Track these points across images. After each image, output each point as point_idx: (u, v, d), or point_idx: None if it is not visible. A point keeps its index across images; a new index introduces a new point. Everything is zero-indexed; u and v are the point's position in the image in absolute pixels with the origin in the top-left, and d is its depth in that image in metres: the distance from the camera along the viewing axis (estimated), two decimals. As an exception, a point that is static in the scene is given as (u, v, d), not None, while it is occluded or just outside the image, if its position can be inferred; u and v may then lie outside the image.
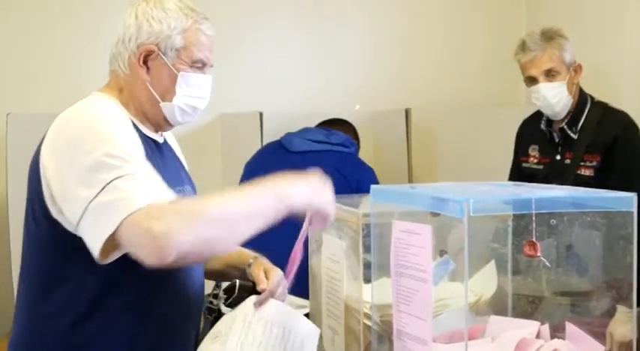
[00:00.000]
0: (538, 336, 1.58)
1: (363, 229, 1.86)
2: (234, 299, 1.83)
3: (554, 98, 2.84)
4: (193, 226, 1.42)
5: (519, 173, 3.01)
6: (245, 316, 1.68)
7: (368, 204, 1.76)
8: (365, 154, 4.12)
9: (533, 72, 2.86)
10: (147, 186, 1.48)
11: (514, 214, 1.72)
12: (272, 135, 3.57)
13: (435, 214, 1.56)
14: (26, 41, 3.94)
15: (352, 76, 4.24)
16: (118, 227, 1.43)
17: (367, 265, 1.82)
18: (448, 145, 4.12)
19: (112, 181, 1.47)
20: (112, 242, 1.46)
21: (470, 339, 1.51)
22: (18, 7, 3.93)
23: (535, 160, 2.97)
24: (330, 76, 4.22)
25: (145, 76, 1.77)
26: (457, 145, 4.11)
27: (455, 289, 1.68)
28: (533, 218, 1.45)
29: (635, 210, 1.48)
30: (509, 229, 1.83)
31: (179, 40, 1.77)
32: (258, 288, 1.79)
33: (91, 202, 1.47)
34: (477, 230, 1.52)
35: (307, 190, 1.60)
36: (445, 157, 4.09)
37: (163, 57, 1.76)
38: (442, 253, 1.69)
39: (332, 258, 2.08)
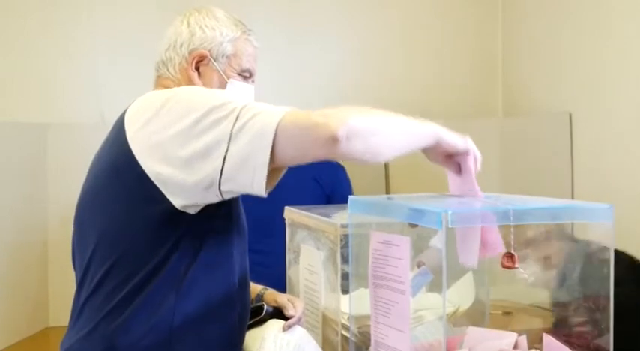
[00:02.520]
0: (515, 347, 1.58)
1: (341, 240, 1.85)
2: (257, 320, 1.90)
3: None
4: (354, 113, 1.46)
5: None
6: (275, 337, 1.82)
7: (346, 215, 1.76)
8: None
9: None
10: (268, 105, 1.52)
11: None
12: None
13: (413, 226, 1.56)
14: None
15: (330, 87, 4.24)
16: (275, 136, 1.44)
17: (345, 276, 1.82)
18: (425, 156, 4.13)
19: (241, 108, 1.49)
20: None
21: (448, 350, 1.51)
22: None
23: None
24: (308, 87, 4.22)
25: (197, 80, 1.81)
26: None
27: (433, 300, 1.68)
28: (512, 229, 1.45)
29: (612, 222, 1.49)
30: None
31: (229, 48, 1.84)
32: (287, 313, 1.92)
33: (232, 130, 1.47)
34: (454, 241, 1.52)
35: (454, 135, 1.66)
36: (423, 168, 4.10)
37: (214, 63, 1.82)
38: (420, 264, 1.69)
39: (310, 269, 2.08)
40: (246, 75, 1.87)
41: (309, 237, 2.13)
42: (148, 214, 1.58)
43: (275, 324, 1.88)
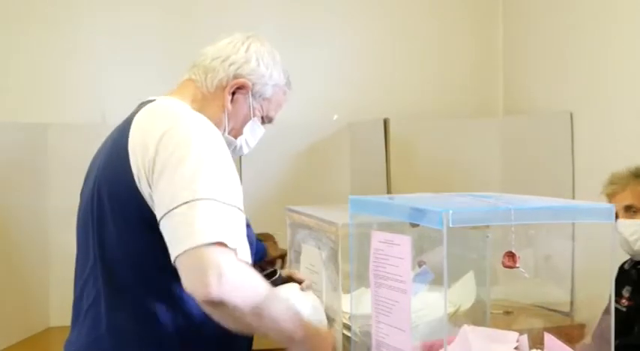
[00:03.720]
0: (517, 347, 1.58)
1: (342, 240, 1.85)
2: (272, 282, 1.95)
3: (632, 236, 2.61)
4: (243, 302, 1.49)
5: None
6: (294, 294, 1.90)
7: (347, 214, 1.76)
8: (343, 164, 4.13)
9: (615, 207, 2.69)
10: (232, 223, 1.51)
11: (493, 225, 1.72)
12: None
13: (413, 225, 1.56)
14: None
15: (330, 86, 4.23)
16: (187, 249, 1.45)
17: (346, 276, 1.82)
18: (426, 156, 4.13)
19: (196, 200, 1.48)
20: None
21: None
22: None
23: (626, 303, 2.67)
24: (308, 85, 4.21)
25: (228, 104, 1.80)
26: (436, 155, 4.12)
27: (433, 299, 1.68)
28: (513, 229, 1.44)
29: (613, 221, 1.48)
30: (488, 240, 1.83)
31: (269, 92, 1.85)
32: (297, 277, 2.04)
33: (173, 209, 1.48)
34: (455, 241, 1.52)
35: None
36: (423, 168, 4.10)
37: (250, 97, 1.82)
38: (421, 263, 1.69)
39: (311, 268, 2.08)
40: (266, 121, 1.90)
41: (309, 236, 2.12)
42: (145, 231, 1.58)
43: (292, 286, 1.95)
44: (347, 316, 1.85)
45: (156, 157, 1.54)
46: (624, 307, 2.61)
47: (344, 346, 1.88)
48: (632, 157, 2.98)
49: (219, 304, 1.46)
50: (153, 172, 1.54)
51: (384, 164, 3.92)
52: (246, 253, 1.52)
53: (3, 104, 3.84)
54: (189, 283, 1.46)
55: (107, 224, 1.63)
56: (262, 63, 1.83)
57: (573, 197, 3.48)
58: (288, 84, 1.92)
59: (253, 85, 1.82)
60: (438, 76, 4.36)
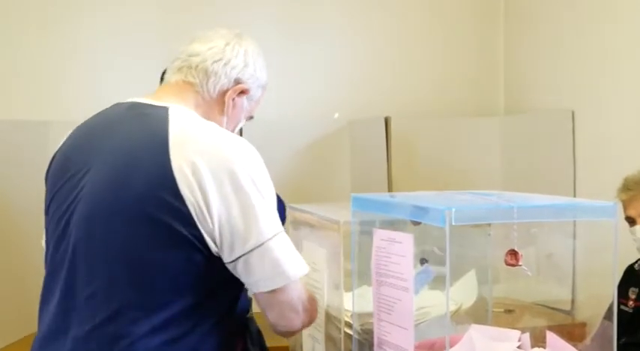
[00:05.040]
0: (519, 345, 1.57)
1: (343, 238, 1.85)
2: None
3: None
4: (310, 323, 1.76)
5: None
6: None
7: (349, 212, 1.75)
8: (343, 162, 4.12)
9: (631, 212, 2.63)
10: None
11: (494, 223, 1.72)
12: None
13: (415, 223, 1.56)
14: None
15: (331, 84, 4.23)
16: (279, 288, 1.60)
17: (348, 274, 1.82)
18: (428, 154, 4.13)
19: (277, 235, 1.59)
20: None
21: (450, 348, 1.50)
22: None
23: (632, 304, 2.67)
24: (309, 84, 4.22)
25: (230, 109, 1.79)
26: (437, 153, 4.12)
27: (435, 297, 1.67)
28: (515, 227, 1.44)
29: (616, 219, 1.48)
30: (489, 238, 1.83)
31: (259, 94, 1.85)
32: None
33: (263, 243, 1.56)
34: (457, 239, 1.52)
35: None
36: (424, 166, 4.10)
37: (245, 101, 1.82)
38: (423, 261, 1.68)
39: (313, 266, 2.08)
40: (247, 119, 1.89)
41: (311, 234, 2.12)
42: (188, 250, 1.55)
43: None
44: (349, 314, 1.85)
45: (217, 188, 1.54)
46: (631, 308, 2.60)
47: (345, 344, 1.88)
48: (633, 156, 2.99)
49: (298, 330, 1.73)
50: (218, 207, 1.54)
51: (385, 163, 3.93)
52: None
53: (4, 102, 3.85)
54: (279, 318, 1.64)
55: (144, 244, 1.56)
56: (257, 67, 1.81)
57: (574, 195, 3.48)
58: (267, 82, 1.89)
59: (250, 89, 1.80)
60: (439, 74, 4.36)
